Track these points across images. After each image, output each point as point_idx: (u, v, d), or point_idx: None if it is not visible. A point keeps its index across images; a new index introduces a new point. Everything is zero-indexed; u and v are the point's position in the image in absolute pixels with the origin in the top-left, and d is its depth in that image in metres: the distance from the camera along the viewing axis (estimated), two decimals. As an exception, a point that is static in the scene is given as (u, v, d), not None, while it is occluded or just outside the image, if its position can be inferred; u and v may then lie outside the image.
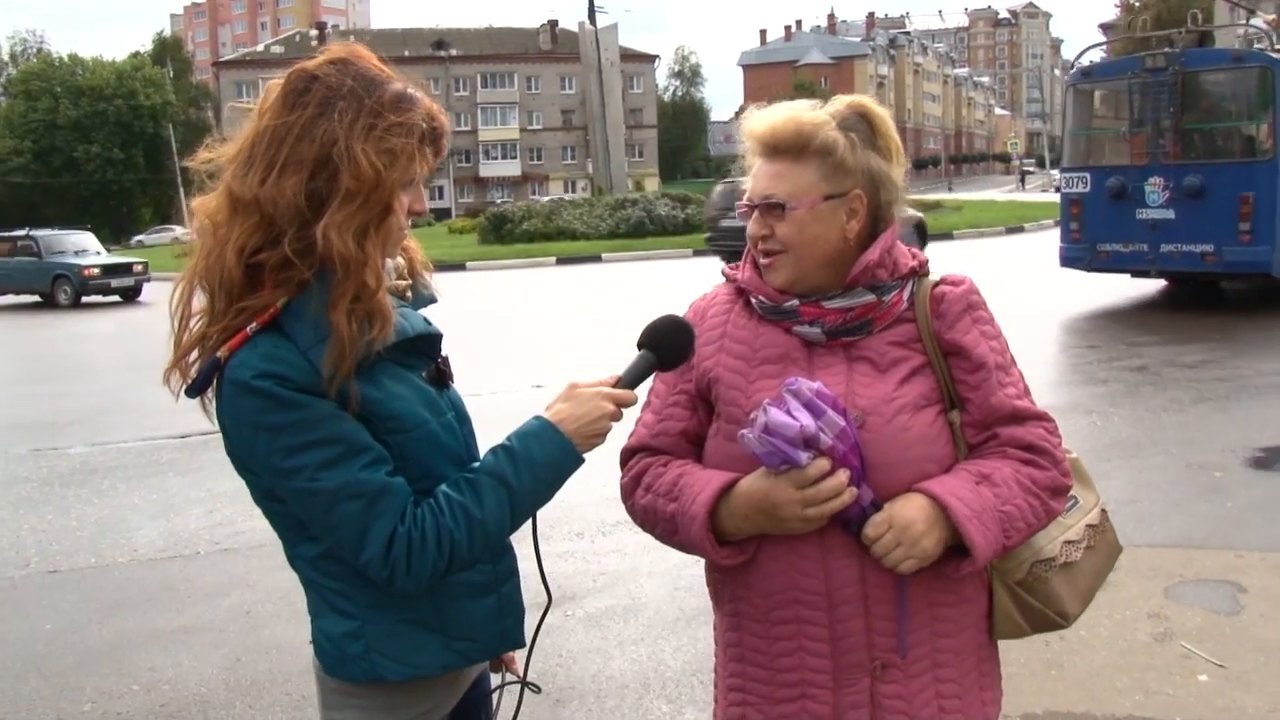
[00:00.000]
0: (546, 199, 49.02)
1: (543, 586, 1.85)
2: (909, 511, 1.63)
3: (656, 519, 1.80)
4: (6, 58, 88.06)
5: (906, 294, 1.76)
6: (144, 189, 72.30)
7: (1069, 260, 14.63)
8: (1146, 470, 6.66)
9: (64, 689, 4.34)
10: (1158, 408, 8.38)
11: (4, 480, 7.92)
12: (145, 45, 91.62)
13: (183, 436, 8.91)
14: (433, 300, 1.80)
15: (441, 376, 1.73)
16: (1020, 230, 31.78)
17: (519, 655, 1.92)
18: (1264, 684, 3.86)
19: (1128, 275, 14.57)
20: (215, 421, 1.61)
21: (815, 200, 1.71)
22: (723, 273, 1.89)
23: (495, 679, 1.99)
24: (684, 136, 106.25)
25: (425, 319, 1.71)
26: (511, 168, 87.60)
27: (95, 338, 18.77)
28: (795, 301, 1.74)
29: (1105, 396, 8.80)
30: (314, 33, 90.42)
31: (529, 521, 1.73)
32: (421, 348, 1.69)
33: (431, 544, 1.57)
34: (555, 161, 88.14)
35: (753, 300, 1.80)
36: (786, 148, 1.72)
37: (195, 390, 1.58)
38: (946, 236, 29.52)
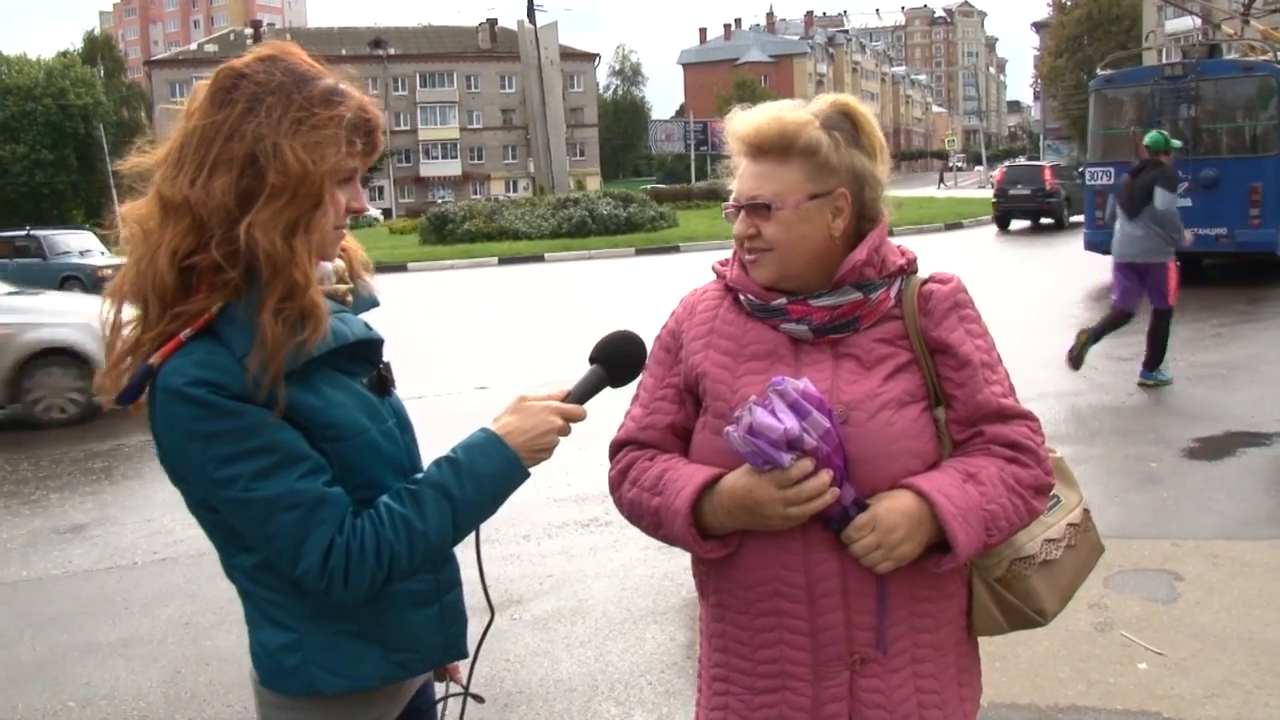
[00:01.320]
0: (487, 199, 48.88)
1: (485, 598, 1.83)
2: (892, 517, 1.63)
3: (642, 513, 1.81)
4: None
5: (894, 292, 1.77)
6: (75, 190, 70.69)
7: (1093, 244, 16.22)
8: (1085, 463, 6.75)
9: (-5, 706, 4.23)
10: (1094, 401, 8.53)
11: (-69, 492, 7.71)
12: (74, 44, 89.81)
13: (117, 444, 8.74)
14: (374, 304, 1.77)
15: (383, 383, 1.69)
16: (959, 226, 32.19)
17: (464, 664, 1.89)
18: (1200, 670, 3.93)
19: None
20: (150, 429, 1.57)
21: (800, 200, 1.72)
22: (713, 268, 1.90)
23: (440, 689, 1.96)
24: (625, 135, 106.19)
25: (366, 324, 1.68)
26: (452, 167, 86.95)
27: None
28: (783, 300, 1.75)
29: (1041, 389, 8.91)
30: (249, 31, 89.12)
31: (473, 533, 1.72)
32: (362, 353, 1.66)
33: (371, 555, 1.54)
34: (496, 161, 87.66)
35: (741, 298, 1.81)
36: (771, 148, 1.73)
37: (127, 398, 1.53)
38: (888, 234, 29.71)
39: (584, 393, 1.77)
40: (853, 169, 1.75)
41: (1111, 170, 16.06)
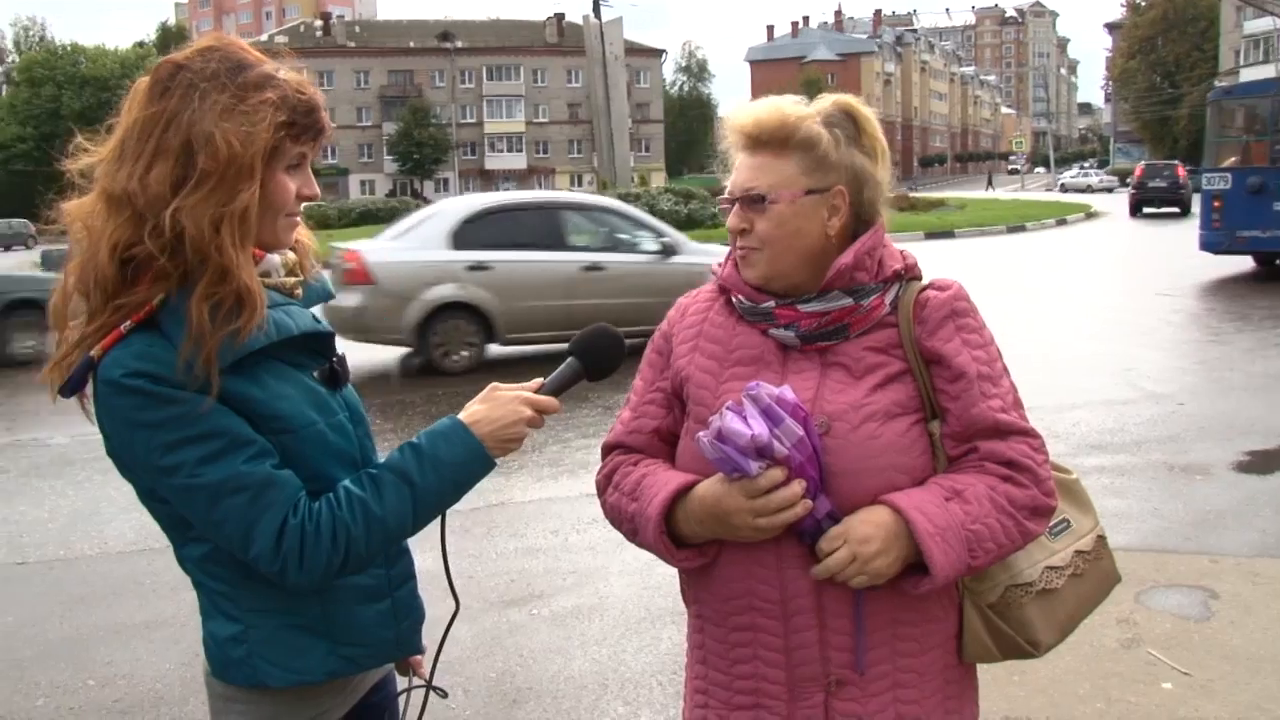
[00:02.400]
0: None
1: (450, 590, 1.81)
2: (866, 529, 1.56)
3: (621, 518, 1.78)
4: (10, 45, 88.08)
5: (889, 298, 1.70)
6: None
7: (1209, 245, 17.61)
8: (1127, 473, 6.60)
9: (19, 683, 4.30)
10: (1144, 410, 8.32)
11: (-19, 470, 7.90)
12: (150, 35, 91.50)
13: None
14: (328, 296, 1.76)
15: (335, 376, 1.68)
16: (1022, 229, 31.71)
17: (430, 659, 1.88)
18: (1228, 693, 3.81)
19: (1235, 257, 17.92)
20: (94, 422, 1.57)
21: (796, 194, 1.67)
22: (711, 270, 1.85)
23: (402, 682, 1.94)
24: (690, 131, 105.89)
25: (315, 317, 1.66)
26: (517, 160, 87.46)
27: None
28: (771, 303, 1.70)
29: (1089, 397, 8.74)
30: (318, 23, 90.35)
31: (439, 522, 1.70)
32: (313, 346, 1.65)
33: (326, 538, 1.53)
34: (561, 155, 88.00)
35: (733, 299, 1.76)
36: (769, 140, 1.68)
37: (69, 390, 1.53)
38: (948, 235, 29.50)
39: (558, 385, 1.75)
40: (852, 168, 1.69)
41: (1229, 176, 17.21)
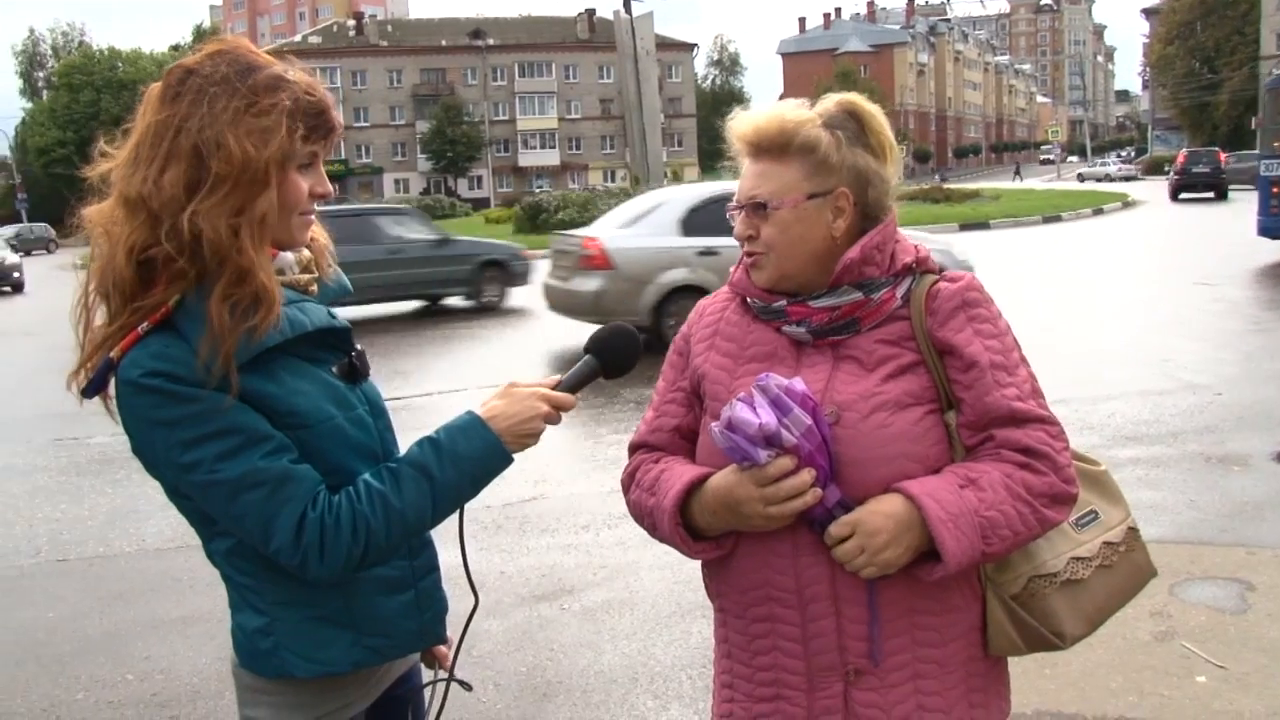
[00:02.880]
0: (584, 189, 49.31)
1: (469, 583, 1.83)
2: (876, 520, 1.57)
3: (641, 513, 1.80)
4: (49, 50, 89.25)
5: (901, 291, 1.71)
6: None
7: (1267, 230, 18.00)
8: (1163, 464, 6.53)
9: (60, 677, 4.39)
10: (1180, 400, 8.23)
11: (24, 469, 8.04)
12: (185, 37, 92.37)
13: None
14: (345, 292, 1.78)
15: (354, 371, 1.70)
16: (1058, 219, 31.44)
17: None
18: (1264, 685, 3.76)
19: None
20: (118, 421, 1.60)
21: (798, 199, 1.68)
22: (731, 270, 1.87)
23: (428, 675, 1.97)
24: (724, 125, 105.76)
25: (329, 312, 1.69)
26: (550, 157, 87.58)
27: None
28: (783, 301, 1.72)
29: (1125, 388, 8.65)
30: (351, 23, 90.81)
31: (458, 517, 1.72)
32: (330, 342, 1.67)
33: (346, 530, 1.55)
34: (594, 151, 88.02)
35: (748, 299, 1.79)
36: (769, 146, 1.70)
37: (91, 390, 1.57)
38: (983, 226, 29.29)
39: (575, 382, 1.77)
40: (855, 168, 1.70)
41: None
